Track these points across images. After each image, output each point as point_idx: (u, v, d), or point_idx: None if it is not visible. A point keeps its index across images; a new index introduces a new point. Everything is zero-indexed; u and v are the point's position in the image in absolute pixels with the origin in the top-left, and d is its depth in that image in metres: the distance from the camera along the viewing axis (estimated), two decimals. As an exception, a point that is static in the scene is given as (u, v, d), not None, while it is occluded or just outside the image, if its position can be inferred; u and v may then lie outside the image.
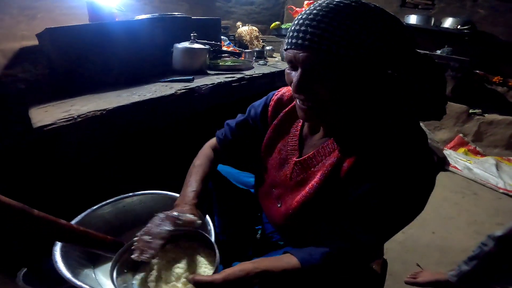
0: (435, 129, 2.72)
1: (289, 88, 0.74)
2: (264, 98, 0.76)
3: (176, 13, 1.48)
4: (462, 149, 2.44)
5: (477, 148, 2.47)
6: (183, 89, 1.11)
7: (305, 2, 2.44)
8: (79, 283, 0.60)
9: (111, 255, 0.72)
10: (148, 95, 1.01)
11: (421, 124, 0.56)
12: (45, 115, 0.81)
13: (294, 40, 0.49)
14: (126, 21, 1.34)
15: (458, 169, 2.15)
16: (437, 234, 1.53)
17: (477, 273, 1.04)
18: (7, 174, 0.94)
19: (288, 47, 0.51)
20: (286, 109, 0.71)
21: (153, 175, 1.10)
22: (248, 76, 1.38)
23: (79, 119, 0.79)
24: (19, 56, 1.23)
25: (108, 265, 0.77)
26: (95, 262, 0.78)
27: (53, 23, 1.10)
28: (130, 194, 0.85)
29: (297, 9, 2.49)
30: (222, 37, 1.86)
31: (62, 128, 0.76)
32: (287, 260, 0.53)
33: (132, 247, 0.58)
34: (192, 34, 1.36)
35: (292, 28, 0.51)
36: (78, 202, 0.83)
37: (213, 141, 0.84)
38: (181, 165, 0.81)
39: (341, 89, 0.49)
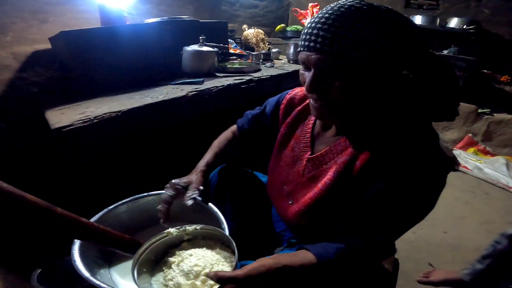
0: (444, 129, 2.70)
1: (302, 88, 0.75)
2: (278, 95, 0.79)
3: (184, 17, 1.50)
4: (471, 149, 2.42)
5: (487, 148, 2.45)
6: (194, 91, 1.12)
7: (310, 5, 2.46)
8: (97, 282, 0.61)
9: (129, 254, 0.73)
10: (161, 97, 1.02)
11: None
12: (62, 117, 0.82)
13: (306, 43, 0.51)
14: (137, 25, 1.36)
15: (468, 169, 2.13)
16: (448, 234, 1.52)
17: (491, 272, 1.03)
18: (21, 173, 0.96)
19: (301, 49, 0.53)
20: (299, 107, 0.72)
21: (164, 174, 1.11)
22: (257, 78, 1.39)
23: (96, 121, 0.81)
24: (31, 60, 1.25)
25: (123, 265, 0.78)
26: (110, 261, 0.79)
27: (64, 27, 1.12)
28: (145, 194, 0.85)
29: (302, 11, 2.50)
30: (229, 40, 1.88)
31: (80, 129, 0.78)
32: (303, 255, 0.54)
33: None
34: (200, 37, 1.37)
35: (305, 31, 0.52)
36: (93, 201, 0.83)
37: (233, 127, 0.90)
38: (189, 166, 0.82)
39: (352, 90, 0.50)
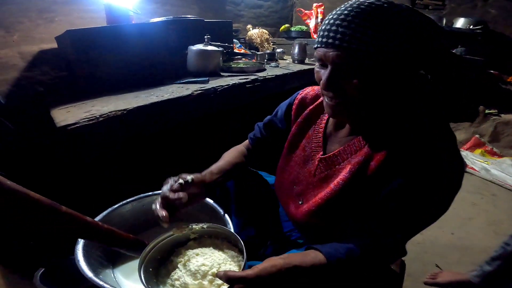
0: (451, 130, 2.67)
1: (313, 87, 0.75)
2: (290, 98, 0.78)
3: (189, 16, 1.50)
4: (478, 150, 2.39)
5: (494, 149, 2.42)
6: (199, 90, 1.12)
7: (314, 5, 2.45)
8: (101, 283, 0.60)
9: (133, 254, 0.72)
10: (166, 96, 1.02)
11: None
12: (68, 115, 0.82)
13: (324, 39, 0.50)
14: (143, 24, 1.36)
15: (475, 170, 2.11)
16: (456, 235, 1.51)
17: (500, 274, 1.02)
18: (26, 171, 0.96)
19: (318, 45, 0.53)
20: (311, 106, 0.72)
21: (166, 175, 1.11)
22: (262, 78, 1.38)
23: (101, 119, 0.80)
24: (38, 59, 1.26)
25: (127, 265, 0.78)
26: (114, 262, 0.78)
27: (71, 26, 1.13)
28: (150, 193, 0.85)
29: (306, 11, 2.50)
30: (233, 40, 1.88)
31: (85, 127, 0.77)
32: (313, 255, 0.53)
33: None
34: (206, 37, 1.37)
35: (323, 27, 0.52)
36: (93, 201, 0.83)
37: (245, 142, 0.88)
38: (191, 165, 0.81)
39: (370, 87, 0.50)
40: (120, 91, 1.10)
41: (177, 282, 0.57)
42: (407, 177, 0.50)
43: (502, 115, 2.50)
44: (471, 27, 2.57)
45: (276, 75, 1.45)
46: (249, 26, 2.25)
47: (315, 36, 2.38)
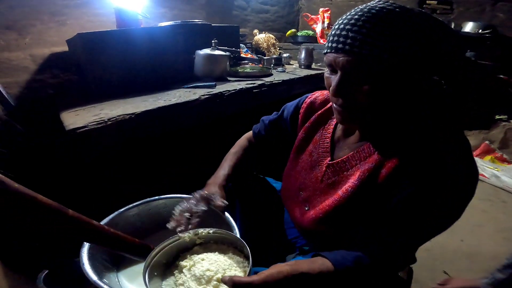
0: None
1: (323, 92, 0.74)
2: (298, 99, 0.77)
3: (196, 20, 1.51)
4: (488, 157, 2.35)
5: (504, 156, 2.38)
6: (207, 94, 1.12)
7: (320, 10, 2.46)
8: (105, 286, 0.60)
9: (138, 258, 0.72)
10: (173, 100, 1.02)
11: None
12: (76, 118, 0.83)
13: (334, 44, 0.50)
14: (151, 28, 1.37)
15: (485, 176, 2.07)
16: (465, 242, 1.48)
17: None
18: (34, 172, 0.96)
19: (328, 50, 0.52)
20: (319, 112, 0.71)
21: (167, 174, 1.10)
22: (268, 83, 1.38)
23: (109, 122, 0.81)
24: (49, 62, 1.28)
25: (132, 269, 0.77)
26: (119, 265, 0.78)
27: (81, 30, 1.14)
28: (156, 197, 0.85)
29: (312, 16, 2.50)
30: (240, 44, 1.88)
31: (94, 130, 0.78)
32: (321, 262, 0.53)
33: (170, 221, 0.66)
34: (213, 41, 1.38)
35: (333, 32, 0.51)
36: (97, 199, 0.83)
37: (249, 133, 0.88)
38: (194, 164, 0.80)
39: (380, 93, 0.49)
40: (128, 95, 1.11)
41: (181, 287, 0.57)
42: (418, 185, 0.49)
43: (512, 121, 2.46)
44: (480, 31, 2.54)
45: (283, 80, 1.45)
46: (255, 31, 2.26)
47: (321, 41, 2.38)
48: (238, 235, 0.68)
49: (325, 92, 0.73)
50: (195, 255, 0.62)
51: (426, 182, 0.49)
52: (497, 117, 2.49)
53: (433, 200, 0.49)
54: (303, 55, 1.86)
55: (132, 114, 0.87)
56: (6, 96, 1.09)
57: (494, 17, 2.67)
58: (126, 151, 0.99)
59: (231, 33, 1.65)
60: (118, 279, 0.75)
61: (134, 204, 0.82)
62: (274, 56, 1.98)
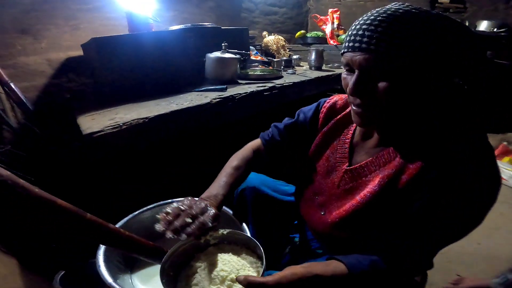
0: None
1: (341, 96, 0.74)
2: (315, 104, 0.77)
3: (206, 24, 1.52)
4: (507, 158, 2.29)
5: (523, 157, 2.31)
6: (218, 98, 1.13)
7: (330, 10, 2.44)
8: (119, 288, 0.61)
9: (152, 260, 0.73)
10: (186, 104, 1.03)
11: None
12: (93, 123, 0.85)
13: (351, 44, 0.50)
14: (162, 32, 1.39)
15: (503, 179, 2.01)
16: (482, 245, 1.45)
17: None
18: (50, 176, 0.98)
19: (345, 50, 0.52)
20: (338, 116, 0.70)
21: (168, 174, 1.11)
22: (279, 85, 1.38)
23: (124, 127, 0.82)
24: (65, 66, 1.31)
25: (145, 271, 0.79)
26: (132, 267, 0.79)
27: (95, 34, 1.16)
28: (169, 200, 0.86)
29: (321, 17, 2.49)
30: (250, 46, 1.89)
31: (109, 135, 0.79)
32: (335, 265, 0.53)
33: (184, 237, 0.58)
34: (223, 44, 1.38)
35: (349, 33, 0.52)
36: (97, 199, 0.84)
37: (255, 142, 0.83)
38: (194, 164, 0.79)
39: (397, 91, 0.49)
40: (141, 98, 1.12)
41: (195, 287, 0.57)
42: (438, 191, 0.49)
43: (530, 122, 2.39)
44: (495, 30, 2.49)
45: (293, 83, 1.45)
46: (264, 33, 2.26)
47: (331, 41, 2.36)
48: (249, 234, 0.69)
49: (344, 96, 0.72)
50: (209, 255, 0.62)
51: (447, 188, 0.48)
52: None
53: (453, 206, 0.49)
54: (313, 56, 1.85)
55: (146, 118, 0.89)
56: (24, 100, 1.12)
57: (508, 16, 2.61)
58: (157, 156, 1.00)
59: (240, 35, 1.66)
60: (131, 281, 0.76)
61: (148, 207, 0.84)
62: (284, 58, 1.97)
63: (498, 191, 0.49)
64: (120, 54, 1.13)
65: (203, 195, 0.68)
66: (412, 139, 0.55)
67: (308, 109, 0.77)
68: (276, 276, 0.48)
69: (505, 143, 2.40)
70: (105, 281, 0.64)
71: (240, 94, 1.20)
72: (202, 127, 1.11)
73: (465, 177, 0.47)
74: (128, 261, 0.78)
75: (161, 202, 0.85)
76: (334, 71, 1.82)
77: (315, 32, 2.52)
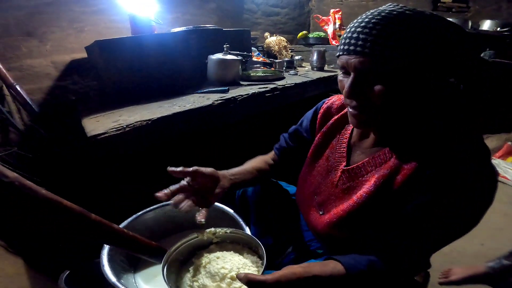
0: (483, 137, 2.56)
1: (339, 96, 0.74)
2: (315, 107, 0.78)
3: (208, 25, 1.53)
4: (511, 158, 2.27)
5: (527, 157, 2.29)
6: (220, 99, 1.13)
7: (331, 11, 2.44)
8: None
9: (154, 260, 0.74)
10: (188, 106, 1.04)
11: None
12: (97, 125, 0.86)
13: (346, 47, 0.51)
14: (164, 34, 1.40)
15: (507, 179, 2.00)
16: (485, 246, 1.44)
17: None
18: (54, 177, 1.00)
19: (340, 53, 0.53)
20: (336, 116, 0.71)
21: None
22: (281, 86, 1.38)
23: (128, 129, 0.83)
24: (69, 69, 1.33)
25: (147, 271, 0.80)
26: (136, 267, 0.81)
27: (98, 36, 1.18)
28: (171, 201, 0.86)
29: (323, 17, 2.48)
30: (251, 48, 1.89)
31: (113, 137, 0.80)
32: (333, 265, 0.53)
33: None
34: (225, 46, 1.39)
35: (344, 35, 0.52)
36: (97, 199, 0.84)
37: (267, 156, 0.88)
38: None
39: (393, 93, 0.49)
40: (144, 100, 1.13)
41: (196, 284, 0.59)
42: (434, 191, 0.49)
43: (535, 121, 2.36)
44: (498, 29, 2.47)
45: (295, 83, 1.45)
46: (266, 33, 2.26)
47: (333, 42, 2.36)
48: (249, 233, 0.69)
49: (342, 96, 0.73)
50: (211, 253, 0.64)
51: (442, 188, 0.49)
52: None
53: (449, 206, 0.49)
54: (315, 57, 1.85)
55: (149, 120, 0.90)
56: (29, 102, 1.14)
57: (510, 15, 2.59)
58: (159, 158, 1.01)
59: (242, 36, 1.67)
60: (134, 280, 0.78)
61: (151, 208, 0.85)
62: (286, 58, 1.97)
63: (494, 192, 0.50)
64: (123, 56, 1.14)
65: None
66: (408, 139, 0.55)
67: (309, 113, 0.79)
68: (275, 274, 0.48)
69: (509, 143, 2.38)
70: (109, 280, 0.65)
71: (242, 95, 1.21)
72: (204, 128, 1.12)
73: (467, 176, 0.47)
74: (131, 261, 0.79)
75: (164, 203, 0.86)
76: (336, 71, 1.82)
77: (317, 33, 2.52)
